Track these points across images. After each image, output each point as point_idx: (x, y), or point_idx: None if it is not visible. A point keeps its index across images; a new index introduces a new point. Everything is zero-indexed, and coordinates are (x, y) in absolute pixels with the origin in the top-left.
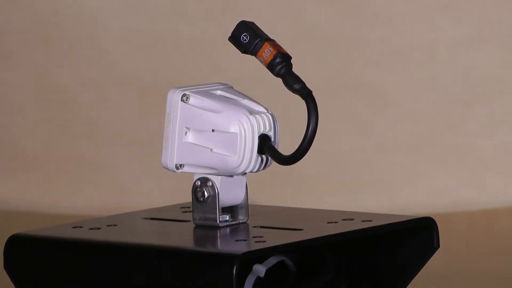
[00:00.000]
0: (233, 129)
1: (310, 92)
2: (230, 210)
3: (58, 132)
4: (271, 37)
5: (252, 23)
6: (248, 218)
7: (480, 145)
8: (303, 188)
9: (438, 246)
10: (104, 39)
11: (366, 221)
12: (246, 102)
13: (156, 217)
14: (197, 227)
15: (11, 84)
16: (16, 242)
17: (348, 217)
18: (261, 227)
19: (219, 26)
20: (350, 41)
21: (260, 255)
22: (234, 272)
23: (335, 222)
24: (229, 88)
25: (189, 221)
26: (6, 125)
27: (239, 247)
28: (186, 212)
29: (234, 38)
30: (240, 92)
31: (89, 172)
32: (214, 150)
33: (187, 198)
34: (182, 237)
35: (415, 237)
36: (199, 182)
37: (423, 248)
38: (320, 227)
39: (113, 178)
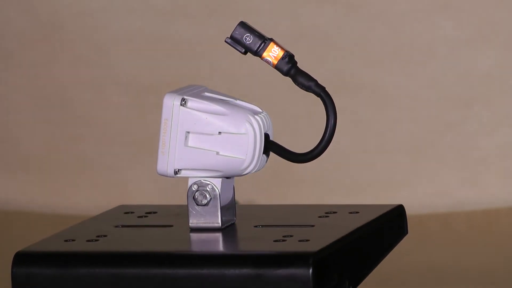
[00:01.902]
0: (243, 130)
1: (323, 88)
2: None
3: (58, 132)
4: (270, 36)
5: (248, 24)
6: (236, 218)
7: (480, 145)
8: (303, 188)
9: (407, 232)
10: (104, 39)
11: (353, 212)
12: (240, 102)
13: (125, 224)
14: (196, 230)
15: (11, 84)
16: (22, 260)
17: (331, 210)
18: (262, 226)
19: (219, 26)
20: (350, 41)
21: (325, 254)
22: (310, 271)
23: (326, 216)
24: (208, 89)
25: (170, 226)
26: (6, 125)
27: (300, 247)
28: (141, 217)
29: (235, 39)
30: (222, 93)
31: (89, 172)
32: (221, 152)
33: (185, 197)
34: (210, 241)
35: (387, 225)
36: (196, 186)
37: (394, 235)
38: (325, 222)
39: (113, 178)
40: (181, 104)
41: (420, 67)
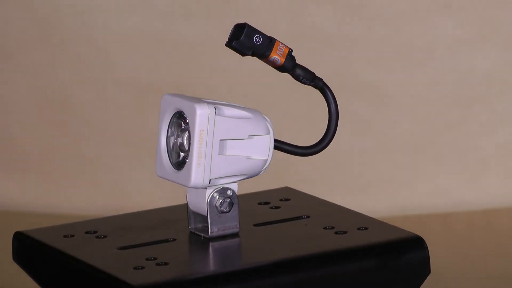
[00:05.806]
0: (266, 131)
1: (322, 80)
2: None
3: (58, 132)
4: (269, 35)
5: None
6: None
7: (480, 145)
8: (302, 188)
9: None
10: (104, 39)
11: (284, 200)
12: (233, 104)
13: (124, 245)
14: (216, 239)
15: (11, 84)
16: None
17: (263, 200)
18: (259, 224)
19: (219, 26)
20: (350, 41)
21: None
22: (427, 252)
23: (277, 207)
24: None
25: (174, 239)
26: (6, 125)
27: (387, 235)
28: (99, 237)
29: (244, 41)
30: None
31: (89, 172)
32: (252, 156)
33: (182, 196)
34: (282, 245)
35: None
36: (216, 194)
37: None
38: (314, 212)
39: (113, 178)
40: (215, 113)
41: (420, 67)
